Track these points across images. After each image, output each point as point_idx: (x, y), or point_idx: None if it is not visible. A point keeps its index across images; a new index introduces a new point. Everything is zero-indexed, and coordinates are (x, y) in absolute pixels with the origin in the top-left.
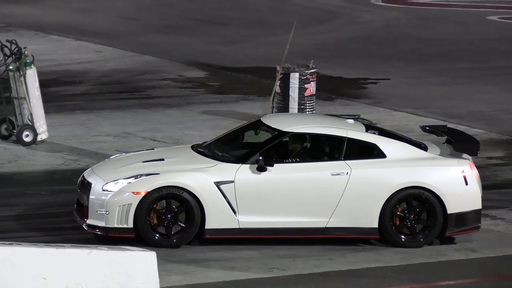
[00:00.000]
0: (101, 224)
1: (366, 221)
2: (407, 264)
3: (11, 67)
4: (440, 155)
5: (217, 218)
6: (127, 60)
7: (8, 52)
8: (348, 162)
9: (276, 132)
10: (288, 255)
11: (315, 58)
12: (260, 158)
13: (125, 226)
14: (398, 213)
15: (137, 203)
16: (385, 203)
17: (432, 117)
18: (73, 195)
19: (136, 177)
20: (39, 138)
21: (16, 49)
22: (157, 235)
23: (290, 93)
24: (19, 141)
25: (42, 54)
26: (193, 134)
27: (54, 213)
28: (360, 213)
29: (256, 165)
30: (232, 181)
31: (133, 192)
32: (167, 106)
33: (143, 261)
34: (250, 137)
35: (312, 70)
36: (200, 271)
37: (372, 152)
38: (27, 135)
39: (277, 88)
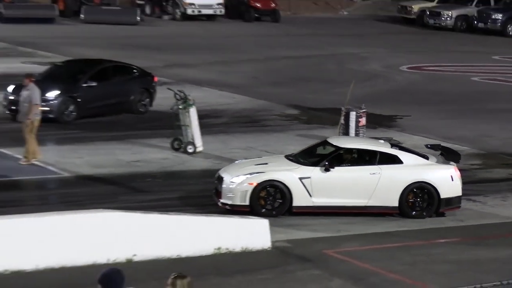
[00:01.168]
0: (230, 202)
1: (391, 202)
2: (421, 228)
3: (180, 107)
4: (436, 162)
5: (299, 199)
6: (250, 103)
7: (178, 97)
8: (380, 166)
9: (336, 147)
10: (349, 222)
11: (365, 102)
12: (326, 163)
13: (244, 203)
14: (410, 197)
15: (251, 190)
16: (402, 191)
17: (436, 139)
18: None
19: (250, 174)
20: (197, 150)
21: (183, 95)
22: (263, 209)
23: (350, 124)
24: (185, 152)
25: (198, 98)
26: (290, 149)
27: (203, 196)
28: (387, 197)
29: (323, 168)
30: (309, 177)
31: (249, 183)
32: (275, 131)
33: (260, 225)
34: (320, 150)
35: (364, 110)
36: (294, 231)
37: (394, 160)
38: (190, 148)
39: (342, 121)
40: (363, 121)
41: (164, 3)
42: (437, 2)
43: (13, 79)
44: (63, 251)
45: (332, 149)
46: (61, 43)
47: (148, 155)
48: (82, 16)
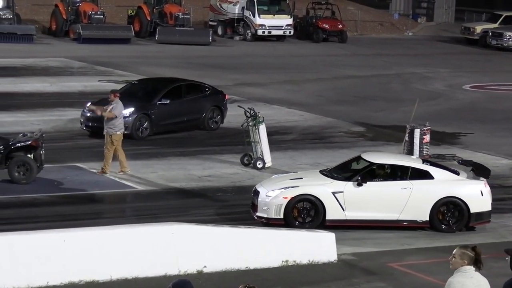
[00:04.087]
0: (265, 215)
1: (422, 216)
2: (482, 243)
3: (250, 124)
4: (467, 178)
5: (333, 213)
6: (318, 121)
7: (248, 115)
8: (411, 181)
9: (369, 163)
10: (412, 236)
11: (429, 120)
12: (359, 178)
13: (278, 217)
14: (440, 211)
15: (285, 203)
16: (433, 205)
17: (499, 156)
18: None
19: (285, 188)
20: (266, 165)
21: (253, 112)
22: (297, 222)
23: (414, 141)
24: (254, 167)
25: (268, 116)
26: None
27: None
28: (418, 211)
29: (356, 182)
30: (342, 192)
31: (283, 197)
32: (341, 147)
33: (327, 238)
34: (354, 166)
35: (427, 127)
36: (360, 245)
37: (425, 175)
38: (259, 164)
39: (406, 138)
40: (427, 138)
41: (235, 24)
42: (499, 24)
43: (90, 97)
44: (136, 262)
45: (365, 164)
46: (136, 62)
47: (219, 170)
48: (157, 36)
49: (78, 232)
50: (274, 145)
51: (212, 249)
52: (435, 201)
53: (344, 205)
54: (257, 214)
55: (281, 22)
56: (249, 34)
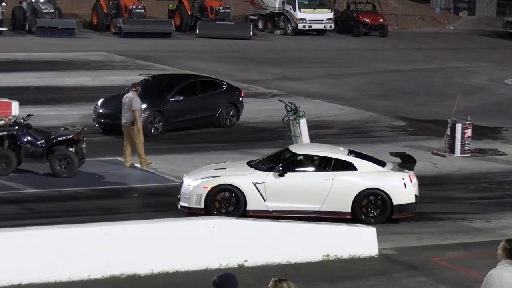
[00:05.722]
0: (186, 205)
1: (343, 207)
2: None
3: (291, 118)
4: (391, 170)
5: (253, 203)
6: (358, 115)
7: (289, 109)
8: (333, 172)
9: (292, 154)
10: (454, 230)
11: (470, 114)
12: (280, 168)
13: (199, 206)
14: (363, 203)
15: (206, 193)
16: (355, 196)
17: None
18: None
19: (207, 178)
20: None
21: (294, 107)
22: (218, 213)
23: (456, 135)
24: None
25: (309, 110)
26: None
27: None
28: (340, 203)
29: (277, 173)
30: (263, 182)
31: (204, 187)
32: (383, 142)
33: (368, 233)
34: (280, 156)
35: (469, 122)
36: (400, 239)
37: (349, 167)
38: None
39: (448, 133)
40: (468, 132)
41: (276, 19)
42: None
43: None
44: (177, 256)
45: (289, 154)
46: (177, 56)
47: None
48: (197, 31)
49: (119, 226)
50: (315, 139)
51: (253, 243)
52: (356, 193)
53: (265, 196)
54: (180, 203)
55: (321, 16)
56: (290, 28)
